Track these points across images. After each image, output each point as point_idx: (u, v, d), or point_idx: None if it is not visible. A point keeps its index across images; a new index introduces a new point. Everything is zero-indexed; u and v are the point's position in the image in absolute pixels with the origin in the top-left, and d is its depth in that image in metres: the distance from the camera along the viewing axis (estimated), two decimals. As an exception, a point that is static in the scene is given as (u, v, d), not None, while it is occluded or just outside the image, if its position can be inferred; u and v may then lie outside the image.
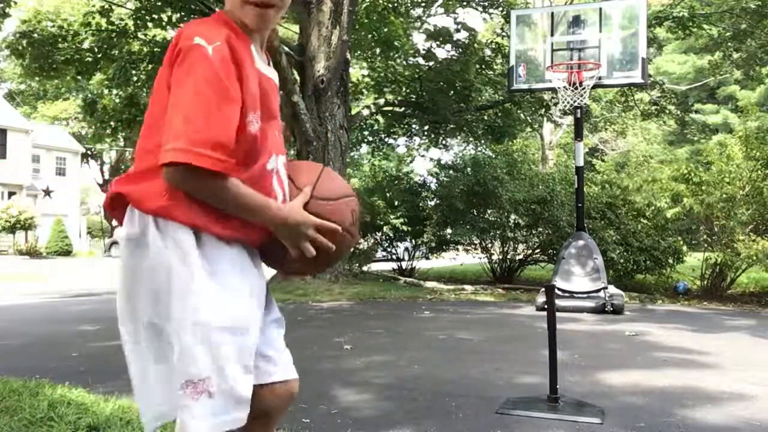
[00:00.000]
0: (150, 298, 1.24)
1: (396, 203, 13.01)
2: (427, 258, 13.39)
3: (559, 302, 6.73)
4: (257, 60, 1.33)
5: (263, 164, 1.31)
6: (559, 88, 7.38)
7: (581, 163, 7.48)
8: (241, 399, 1.22)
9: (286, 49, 10.27)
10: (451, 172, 12.76)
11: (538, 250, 11.92)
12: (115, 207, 1.29)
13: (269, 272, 1.49)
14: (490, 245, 12.20)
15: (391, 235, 12.94)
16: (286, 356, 1.41)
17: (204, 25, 1.27)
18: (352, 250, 1.40)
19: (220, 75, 1.20)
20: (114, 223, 32.85)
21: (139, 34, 11.68)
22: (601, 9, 7.49)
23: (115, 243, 29.67)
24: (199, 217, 1.21)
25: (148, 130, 1.26)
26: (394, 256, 13.62)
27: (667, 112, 16.07)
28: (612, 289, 7.37)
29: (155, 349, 1.28)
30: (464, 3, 13.41)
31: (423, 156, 16.67)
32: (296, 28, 13.00)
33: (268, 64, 1.41)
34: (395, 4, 12.85)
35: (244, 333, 1.24)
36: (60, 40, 11.62)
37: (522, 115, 14.33)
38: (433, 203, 13.05)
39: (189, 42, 1.22)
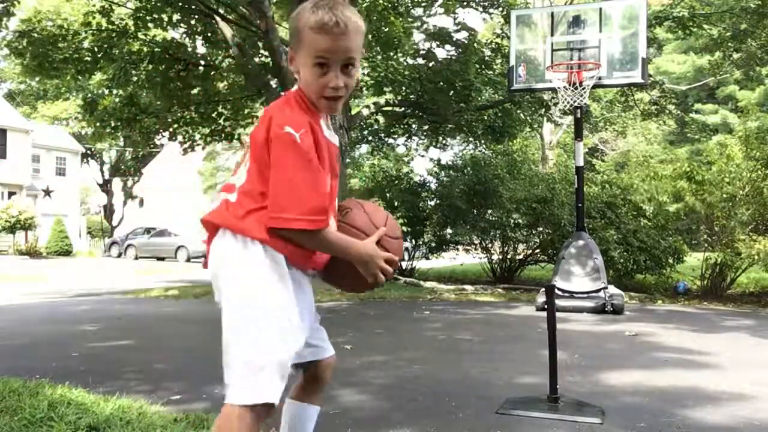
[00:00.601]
0: (236, 299, 1.56)
1: (396, 203, 13.01)
2: (427, 258, 13.39)
3: (559, 302, 6.73)
4: (325, 130, 1.65)
5: (332, 210, 1.67)
6: (559, 88, 7.37)
7: (581, 163, 7.48)
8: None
9: (287, 49, 10.27)
10: (451, 172, 12.76)
11: (538, 250, 11.92)
12: (209, 230, 1.66)
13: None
14: (490, 245, 12.20)
15: (391, 235, 12.92)
16: (326, 338, 1.82)
17: (288, 110, 1.59)
18: None
19: (310, 156, 1.54)
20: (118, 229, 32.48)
21: (139, 34, 11.68)
22: (601, 9, 7.49)
23: (114, 243, 29.70)
24: (282, 245, 1.56)
25: (252, 177, 1.61)
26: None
27: (667, 112, 16.07)
28: (612, 289, 7.37)
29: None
30: (464, 3, 13.40)
31: (423, 156, 16.67)
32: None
33: (329, 128, 1.70)
34: (395, 4, 12.84)
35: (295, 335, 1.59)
36: (60, 39, 11.62)
37: (522, 115, 14.33)
38: (433, 203, 13.06)
39: (280, 130, 1.53)
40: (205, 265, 1.68)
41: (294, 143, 1.52)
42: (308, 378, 1.80)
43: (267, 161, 1.56)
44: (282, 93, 10.29)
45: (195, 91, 12.71)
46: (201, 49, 13.10)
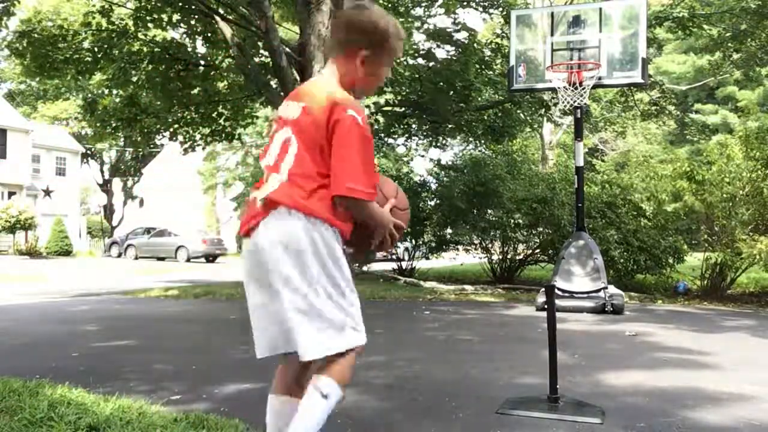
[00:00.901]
0: (298, 268, 1.82)
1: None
2: (427, 258, 13.39)
3: (559, 302, 6.73)
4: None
5: None
6: (559, 88, 7.37)
7: (581, 163, 7.48)
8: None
9: (287, 49, 10.26)
10: (451, 172, 12.76)
11: (538, 250, 11.92)
12: (267, 208, 1.86)
13: None
14: (490, 245, 12.20)
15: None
16: None
17: (352, 101, 1.89)
18: None
19: (370, 137, 1.86)
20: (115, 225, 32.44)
21: (139, 34, 11.67)
22: (601, 9, 7.49)
23: (114, 243, 29.70)
24: (341, 223, 1.86)
25: (304, 160, 1.86)
26: (394, 256, 13.62)
27: (667, 112, 16.07)
28: (612, 289, 7.37)
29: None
30: (464, 3, 13.40)
31: (423, 156, 16.67)
32: (296, 28, 13.00)
33: None
34: (395, 4, 12.83)
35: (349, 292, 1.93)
36: (60, 39, 11.61)
37: (522, 115, 14.32)
38: (433, 203, 13.05)
39: (345, 113, 1.82)
40: (247, 233, 1.90)
41: (358, 125, 1.82)
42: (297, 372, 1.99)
43: (327, 142, 1.83)
44: (282, 93, 10.18)
45: (195, 91, 12.70)
46: (201, 49, 13.09)
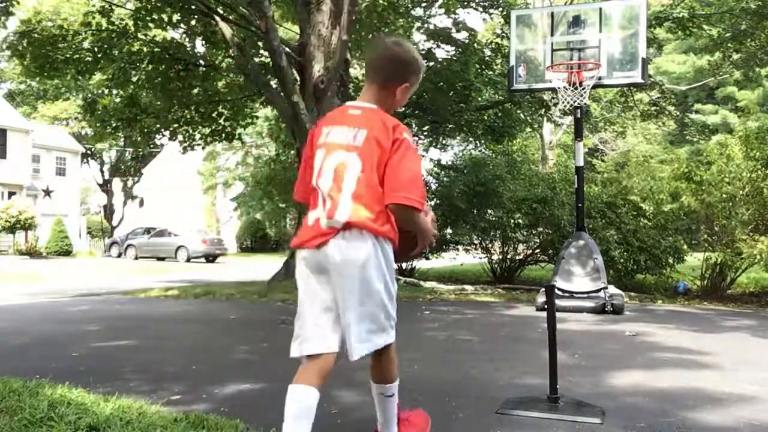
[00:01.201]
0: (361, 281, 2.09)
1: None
2: (427, 258, 13.38)
3: (559, 302, 6.72)
4: None
5: None
6: (559, 88, 7.37)
7: (581, 163, 7.47)
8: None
9: (287, 49, 10.26)
10: (451, 172, 12.75)
11: (538, 250, 11.92)
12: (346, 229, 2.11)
13: None
14: (490, 245, 12.20)
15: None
16: None
17: (401, 125, 2.18)
18: None
19: (420, 156, 2.22)
20: (111, 224, 32.66)
21: (139, 35, 11.67)
22: (601, 9, 7.48)
23: (114, 243, 29.70)
24: (395, 235, 2.15)
25: (369, 183, 2.10)
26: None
27: (666, 113, 16.06)
28: (612, 289, 7.36)
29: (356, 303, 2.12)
30: (464, 3, 13.40)
31: (423, 156, 16.67)
32: (296, 28, 13.00)
33: None
34: (395, 4, 12.84)
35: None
36: (60, 39, 11.61)
37: (522, 115, 14.32)
38: (432, 203, 13.05)
39: (401, 135, 2.12)
40: (314, 247, 2.10)
41: (412, 145, 2.14)
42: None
43: (386, 159, 2.09)
44: (282, 94, 10.13)
45: (195, 91, 12.70)
46: (201, 49, 13.10)
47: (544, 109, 13.67)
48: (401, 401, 2.51)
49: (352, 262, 2.06)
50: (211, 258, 25.63)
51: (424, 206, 2.12)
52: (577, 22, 7.58)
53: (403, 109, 13.60)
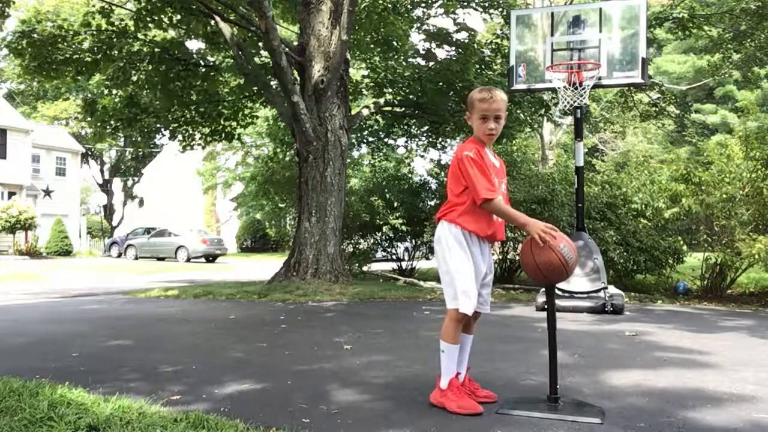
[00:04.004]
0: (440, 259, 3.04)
1: (396, 204, 13.00)
2: (427, 258, 13.38)
3: (559, 302, 6.73)
4: (489, 154, 3.03)
5: (499, 192, 2.98)
6: (559, 88, 7.36)
7: (581, 163, 7.47)
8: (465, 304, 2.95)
9: (286, 49, 10.26)
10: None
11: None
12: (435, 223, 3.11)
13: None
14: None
15: (391, 235, 12.93)
16: (488, 299, 3.15)
17: (467, 146, 2.99)
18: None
19: (477, 162, 2.92)
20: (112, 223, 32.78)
21: (139, 35, 11.67)
22: (601, 9, 7.48)
23: (114, 243, 29.71)
24: (466, 224, 2.96)
25: (450, 189, 3.05)
26: (394, 256, 13.62)
27: (666, 114, 16.06)
28: (612, 289, 7.36)
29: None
30: (464, 3, 13.40)
31: (422, 156, 16.69)
32: (296, 28, 13.00)
33: (492, 154, 3.08)
34: (395, 4, 12.83)
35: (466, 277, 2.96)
36: (60, 40, 11.61)
37: (522, 115, 14.32)
38: (433, 203, 13.05)
39: (461, 154, 2.95)
40: None
41: (468, 158, 2.91)
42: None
43: (459, 174, 2.96)
44: (282, 94, 10.16)
45: (195, 90, 12.71)
46: (200, 47, 13.10)
47: (544, 109, 13.66)
48: (469, 383, 3.13)
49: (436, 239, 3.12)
50: (211, 258, 25.64)
51: (492, 194, 2.86)
52: (577, 22, 7.58)
53: (403, 109, 13.61)
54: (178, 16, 11.32)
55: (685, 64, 31.85)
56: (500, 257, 12.10)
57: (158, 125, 13.54)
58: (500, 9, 13.37)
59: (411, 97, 13.16)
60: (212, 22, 11.03)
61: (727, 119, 29.25)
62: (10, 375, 3.36)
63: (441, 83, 12.44)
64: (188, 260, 24.92)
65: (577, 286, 7.30)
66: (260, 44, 11.92)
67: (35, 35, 11.54)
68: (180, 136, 13.53)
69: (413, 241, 13.23)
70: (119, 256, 27.76)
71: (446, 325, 2.95)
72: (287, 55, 10.08)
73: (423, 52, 13.23)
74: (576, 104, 7.27)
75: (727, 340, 5.31)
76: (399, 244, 13.60)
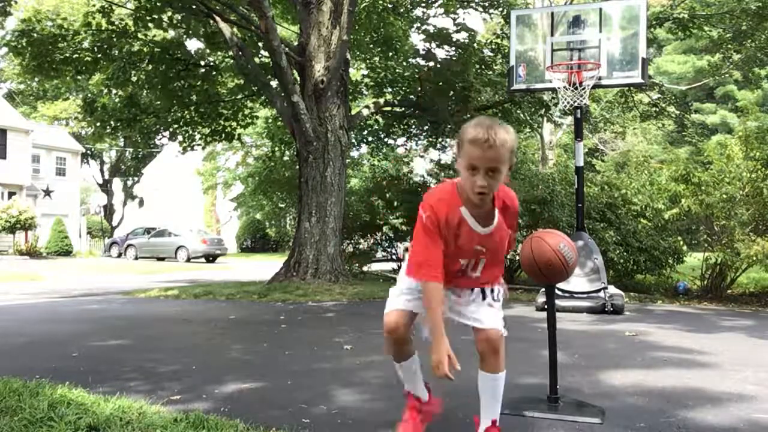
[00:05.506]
0: None
1: (396, 203, 13.00)
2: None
3: (559, 302, 6.73)
4: (468, 218, 2.25)
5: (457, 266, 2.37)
6: (559, 88, 7.36)
7: (581, 163, 7.47)
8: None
9: (286, 49, 10.26)
10: (451, 172, 12.75)
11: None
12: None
13: None
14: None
15: (391, 235, 12.93)
16: (484, 316, 2.41)
17: (433, 200, 2.28)
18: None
19: (432, 232, 2.25)
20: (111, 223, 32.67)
21: (139, 34, 11.67)
22: (601, 9, 7.48)
23: (114, 243, 29.70)
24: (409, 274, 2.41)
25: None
26: (394, 256, 13.61)
27: (666, 114, 16.05)
28: (612, 289, 7.36)
29: None
30: (464, 3, 13.40)
31: (422, 156, 16.68)
32: (296, 28, 13.00)
33: (473, 217, 2.26)
34: (395, 4, 12.84)
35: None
36: (60, 39, 11.61)
37: (522, 115, 14.32)
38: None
39: (420, 209, 2.29)
40: None
41: (420, 220, 2.28)
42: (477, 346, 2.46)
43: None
44: (282, 94, 10.14)
45: (195, 90, 12.71)
46: (199, 46, 13.10)
47: (544, 109, 13.66)
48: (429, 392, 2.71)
49: None
50: (211, 258, 25.63)
51: (418, 275, 2.31)
52: (577, 22, 7.58)
53: (403, 109, 13.61)
54: (178, 16, 11.32)
55: (685, 64, 31.86)
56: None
57: (158, 126, 13.54)
58: (500, 9, 13.37)
59: (411, 97, 13.16)
60: (212, 22, 11.03)
61: (727, 119, 29.26)
62: (10, 375, 3.36)
63: (441, 83, 12.44)
64: (188, 260, 24.91)
65: (577, 286, 7.30)
66: (260, 44, 11.92)
67: (35, 34, 11.55)
68: (180, 137, 13.53)
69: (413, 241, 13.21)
70: (119, 256, 27.76)
71: None
72: (287, 55, 10.09)
73: (423, 52, 13.22)
74: (576, 104, 7.27)
75: (727, 340, 5.31)
76: (399, 244, 13.60)
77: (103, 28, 11.52)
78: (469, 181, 2.14)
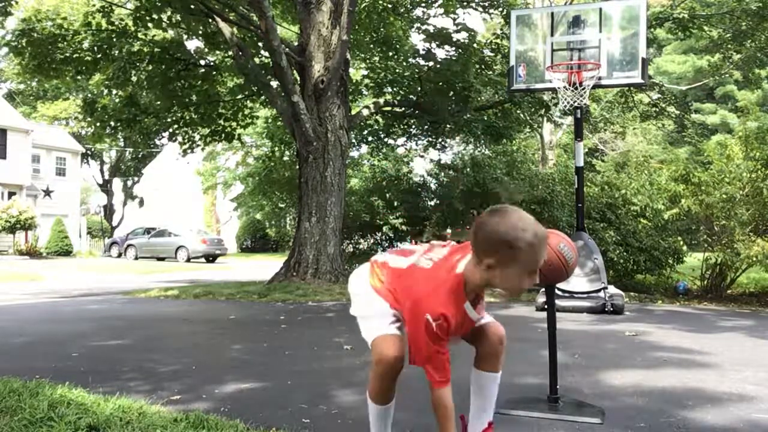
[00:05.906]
0: None
1: (395, 203, 13.00)
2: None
3: (559, 302, 6.73)
4: (469, 311, 2.12)
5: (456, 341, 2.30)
6: (559, 88, 7.36)
7: (581, 163, 7.46)
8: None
9: (286, 49, 10.26)
10: (450, 172, 12.76)
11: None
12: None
13: None
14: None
15: (391, 235, 12.94)
16: (483, 315, 2.26)
17: (440, 301, 2.02)
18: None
19: (443, 340, 2.11)
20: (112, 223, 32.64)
21: (139, 34, 11.67)
22: (601, 9, 7.48)
23: (114, 243, 29.70)
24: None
25: None
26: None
27: (666, 114, 16.05)
28: (612, 289, 7.36)
29: None
30: (464, 3, 13.40)
31: (422, 156, 16.69)
32: (296, 28, 13.00)
33: (470, 307, 2.12)
34: (395, 4, 12.83)
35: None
36: (60, 39, 11.61)
37: (522, 115, 14.32)
38: (432, 203, 13.06)
39: (426, 313, 2.05)
40: None
41: (429, 326, 2.06)
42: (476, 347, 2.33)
43: (413, 330, 2.17)
44: (282, 94, 10.10)
45: (195, 90, 12.70)
46: (197, 46, 13.10)
47: (544, 110, 13.66)
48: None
49: None
50: (211, 258, 25.63)
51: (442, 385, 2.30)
52: (577, 22, 7.57)
53: (403, 109, 13.60)
54: (178, 16, 11.32)
55: (685, 64, 31.86)
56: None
57: (158, 126, 13.54)
58: (500, 9, 13.37)
59: (411, 97, 13.16)
60: (212, 22, 11.03)
61: (727, 119, 29.27)
62: (10, 375, 3.36)
63: (441, 83, 12.44)
64: (188, 260, 24.91)
65: (577, 286, 7.30)
66: (260, 44, 11.92)
67: (35, 34, 11.55)
68: (180, 138, 13.53)
69: (413, 241, 13.21)
70: (119, 256, 27.75)
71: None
72: (287, 55, 10.09)
73: (423, 52, 13.22)
74: (576, 104, 7.26)
75: (727, 340, 5.31)
76: (399, 244, 13.60)
77: (103, 28, 11.51)
78: (514, 282, 1.93)
